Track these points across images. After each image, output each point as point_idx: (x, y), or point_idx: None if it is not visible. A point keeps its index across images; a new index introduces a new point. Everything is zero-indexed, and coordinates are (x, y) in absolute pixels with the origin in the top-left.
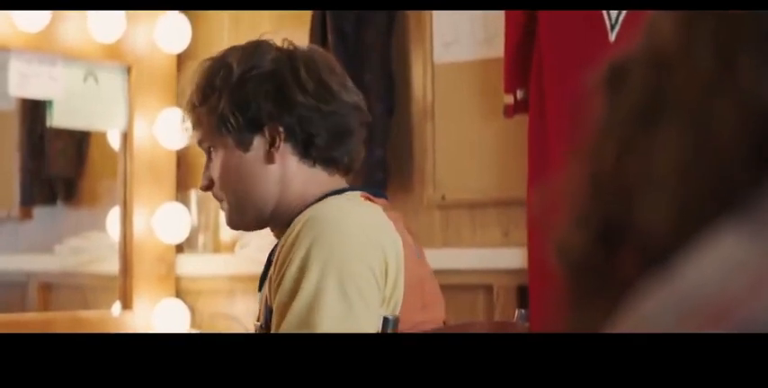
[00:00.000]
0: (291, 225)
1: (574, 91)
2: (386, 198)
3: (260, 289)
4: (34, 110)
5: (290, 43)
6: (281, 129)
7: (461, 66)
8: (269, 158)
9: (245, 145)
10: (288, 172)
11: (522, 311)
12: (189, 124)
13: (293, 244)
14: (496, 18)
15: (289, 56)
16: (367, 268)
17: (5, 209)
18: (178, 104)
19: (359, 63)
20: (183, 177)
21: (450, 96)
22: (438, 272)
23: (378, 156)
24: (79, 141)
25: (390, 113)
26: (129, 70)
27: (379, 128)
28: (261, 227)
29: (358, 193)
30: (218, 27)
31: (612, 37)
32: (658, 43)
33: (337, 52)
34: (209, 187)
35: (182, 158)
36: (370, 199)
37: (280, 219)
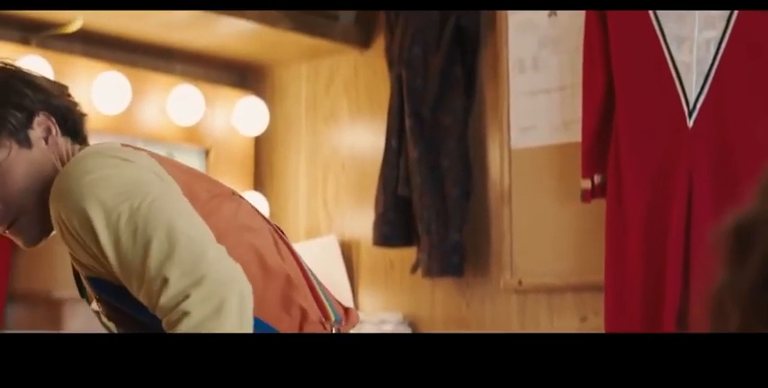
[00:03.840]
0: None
1: (652, 176)
2: None
3: (83, 296)
4: None
5: None
6: (49, 115)
7: (539, 150)
8: (54, 146)
9: (27, 143)
10: (67, 154)
11: None
12: None
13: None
14: (574, 103)
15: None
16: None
17: None
18: (256, 187)
19: (436, 147)
20: None
21: (528, 180)
22: None
23: (454, 240)
24: None
25: (467, 197)
26: (207, 152)
27: (456, 212)
28: None
29: None
30: (295, 111)
31: (690, 123)
32: None
33: (414, 136)
34: None
35: None
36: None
37: None
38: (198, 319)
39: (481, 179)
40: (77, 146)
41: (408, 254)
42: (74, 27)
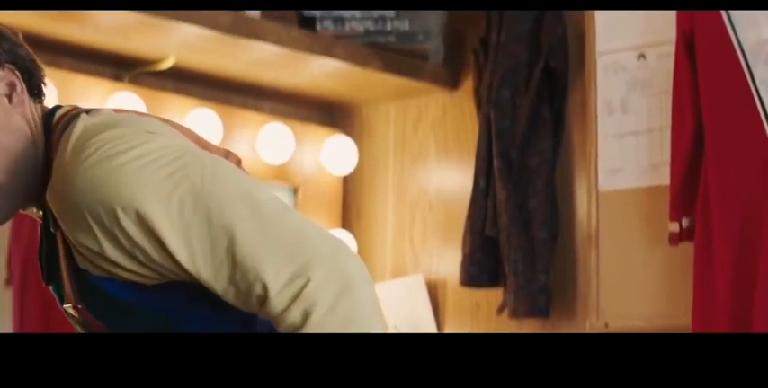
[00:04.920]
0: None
1: (741, 219)
2: None
3: (49, 281)
4: None
5: None
6: (14, 68)
7: (626, 193)
8: (19, 105)
9: None
10: (32, 114)
11: None
12: None
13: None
14: (662, 146)
15: None
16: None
17: None
18: (344, 226)
19: (523, 188)
20: None
21: (615, 223)
22: None
23: (541, 282)
24: None
25: (554, 239)
26: (295, 191)
27: (543, 254)
28: (28, 203)
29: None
30: (383, 150)
31: None
32: None
33: (502, 177)
34: None
35: None
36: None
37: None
38: (330, 301)
39: (568, 220)
40: (38, 106)
41: (495, 295)
42: (166, 64)
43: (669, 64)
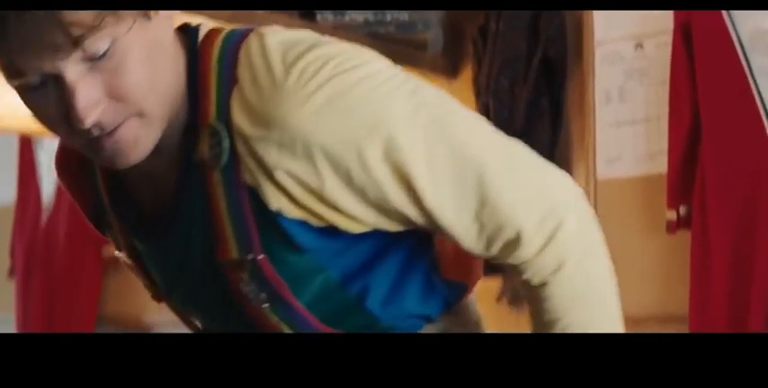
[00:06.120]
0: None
1: (737, 208)
2: None
3: (152, 239)
4: None
5: None
6: None
7: (624, 181)
8: (168, 18)
9: (146, 12)
10: (169, 33)
11: None
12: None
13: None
14: (659, 135)
15: None
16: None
17: None
18: None
19: None
20: None
21: (613, 211)
22: None
23: None
24: None
25: None
26: None
27: None
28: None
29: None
30: None
31: None
32: None
33: None
34: (98, 111)
35: None
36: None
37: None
38: (581, 250)
39: None
40: None
41: (494, 283)
42: None
43: (666, 53)
